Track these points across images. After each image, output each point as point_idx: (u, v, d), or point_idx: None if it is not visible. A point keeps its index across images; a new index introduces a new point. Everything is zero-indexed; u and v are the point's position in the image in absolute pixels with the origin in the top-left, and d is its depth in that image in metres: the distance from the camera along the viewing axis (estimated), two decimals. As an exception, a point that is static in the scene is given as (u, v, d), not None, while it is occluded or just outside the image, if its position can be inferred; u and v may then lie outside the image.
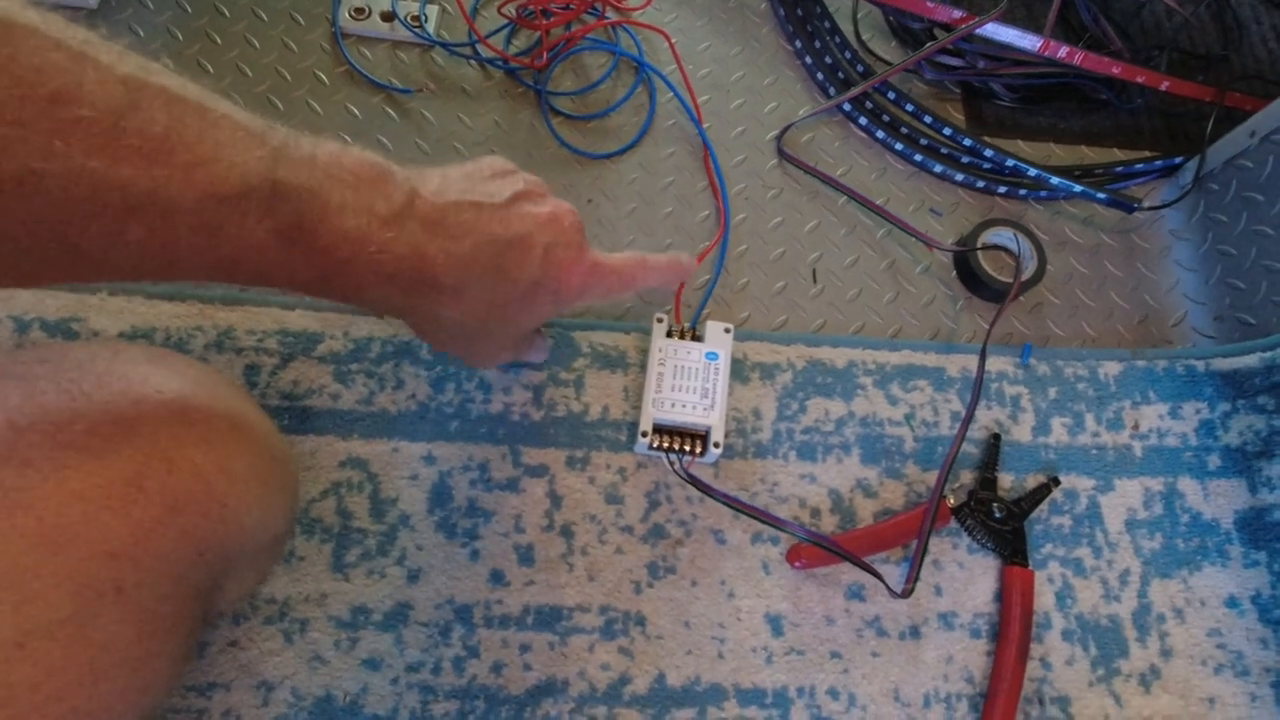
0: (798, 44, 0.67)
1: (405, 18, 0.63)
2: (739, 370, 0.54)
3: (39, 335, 0.51)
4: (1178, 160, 0.64)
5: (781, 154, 0.63)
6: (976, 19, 0.62)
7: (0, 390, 0.29)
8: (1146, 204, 0.63)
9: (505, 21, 0.64)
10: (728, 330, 0.52)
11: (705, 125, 0.63)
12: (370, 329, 0.53)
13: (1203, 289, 0.61)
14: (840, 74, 0.65)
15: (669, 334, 0.52)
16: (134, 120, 0.22)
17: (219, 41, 0.62)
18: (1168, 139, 0.68)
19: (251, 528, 0.34)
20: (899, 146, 0.63)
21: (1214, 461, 0.54)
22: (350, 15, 0.63)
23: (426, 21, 0.63)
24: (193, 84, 0.25)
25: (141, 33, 0.61)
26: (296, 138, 0.28)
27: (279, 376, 0.52)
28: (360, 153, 0.30)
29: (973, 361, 0.55)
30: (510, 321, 0.37)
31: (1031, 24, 0.68)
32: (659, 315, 0.52)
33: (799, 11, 0.68)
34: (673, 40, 0.65)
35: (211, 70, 0.61)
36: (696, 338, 0.52)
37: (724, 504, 0.47)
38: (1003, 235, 0.60)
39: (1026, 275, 0.58)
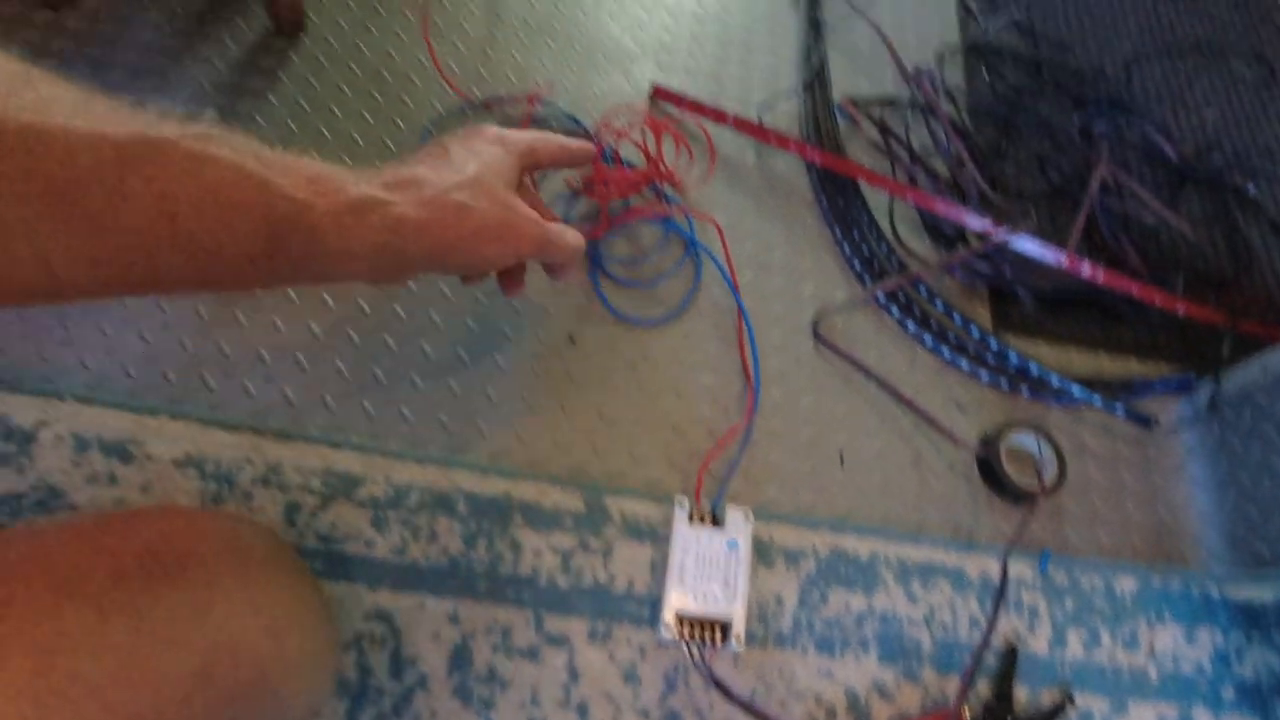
0: (837, 231, 0.71)
1: (478, 176, 0.68)
2: (764, 552, 0.55)
3: (97, 455, 0.53)
4: (1194, 379, 0.67)
5: (817, 336, 0.66)
6: (1005, 232, 0.67)
7: (91, 561, 0.31)
8: (1163, 422, 0.65)
9: (567, 190, 0.69)
10: (748, 518, 0.54)
11: (745, 302, 0.67)
12: (411, 476, 0.55)
13: (1218, 511, 0.62)
14: (876, 264, 0.70)
15: (690, 519, 0.53)
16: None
17: (328, 136, 0.68)
18: (1184, 354, 0.71)
19: (295, 709, 0.34)
20: (929, 340, 0.67)
21: (1229, 693, 0.54)
22: (428, 170, 0.68)
23: (497, 182, 0.68)
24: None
25: (263, 122, 0.67)
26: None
27: (318, 518, 0.53)
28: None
29: (992, 564, 0.56)
30: (493, 170, 0.44)
31: (1056, 236, 0.73)
32: (680, 499, 0.54)
33: (840, 201, 0.73)
34: (721, 226, 0.69)
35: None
36: (717, 522, 0.54)
37: (742, 709, 0.48)
38: (1025, 439, 0.62)
39: (1047, 481, 0.60)
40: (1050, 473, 0.61)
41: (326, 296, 0.62)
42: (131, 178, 0.28)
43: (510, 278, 0.53)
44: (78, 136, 0.27)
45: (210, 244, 0.30)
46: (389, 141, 0.70)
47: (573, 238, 0.50)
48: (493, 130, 0.47)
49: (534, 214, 0.46)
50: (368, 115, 0.71)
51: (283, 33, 0.73)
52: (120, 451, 0.53)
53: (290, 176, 0.33)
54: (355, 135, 0.70)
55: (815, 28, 0.84)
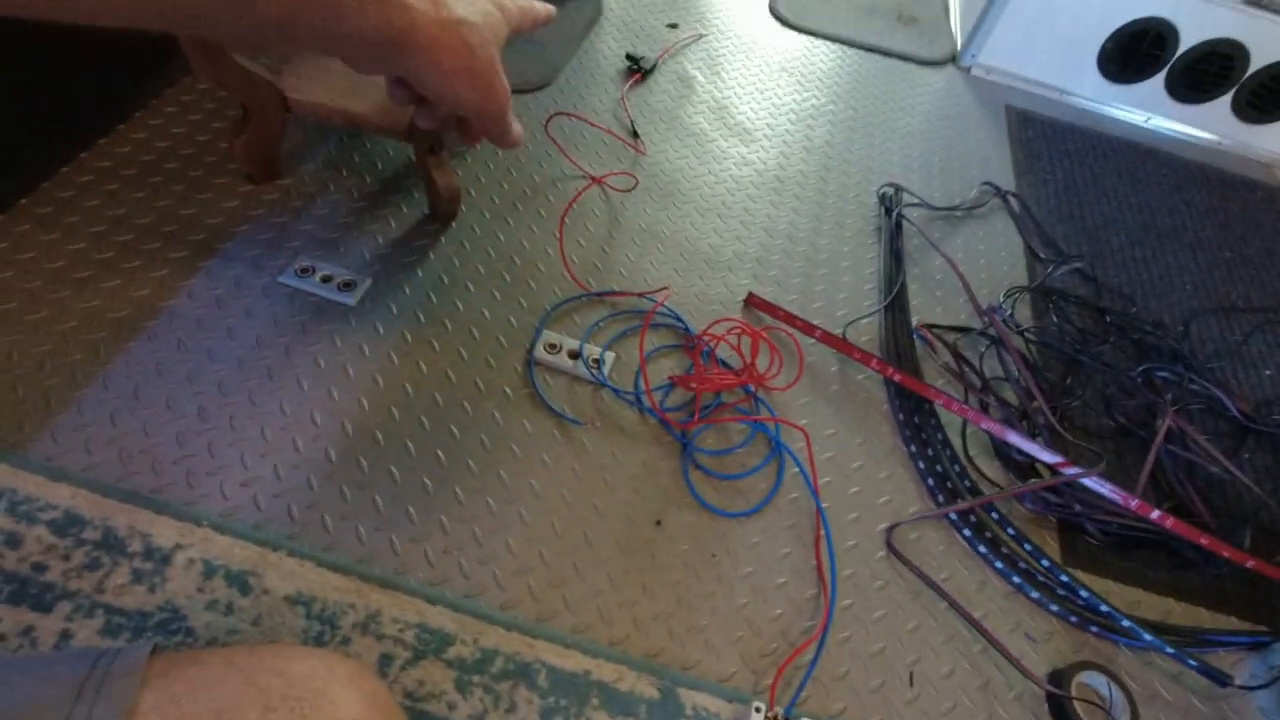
0: (913, 448, 0.76)
1: (587, 358, 0.76)
2: (833, 770, 0.55)
3: (220, 582, 0.57)
4: (1266, 639, 0.67)
5: (890, 547, 0.69)
6: (1077, 469, 0.71)
7: (245, 695, 0.35)
8: (1237, 680, 0.65)
9: (667, 382, 0.76)
10: (825, 727, 0.55)
11: (825, 505, 0.71)
12: (498, 641, 0.58)
13: (1300, 787, 0.60)
14: (949, 483, 0.73)
15: (769, 722, 0.54)
16: None
17: (437, 349, 0.75)
18: (1254, 608, 0.71)
19: None
20: (999, 565, 0.69)
21: None
22: (545, 349, 0.76)
23: (604, 365, 0.76)
24: None
25: (381, 330, 0.75)
26: None
27: (407, 672, 0.55)
28: None
29: (1066, 817, 0.55)
30: (486, 26, 0.40)
31: (1124, 476, 0.76)
32: (756, 705, 0.55)
33: (916, 419, 0.78)
34: (807, 431, 0.75)
35: (424, 369, 0.73)
36: (794, 729, 0.54)
37: None
38: (1096, 680, 0.62)
39: (1120, 730, 0.60)
40: (1123, 719, 0.60)
41: (440, 454, 0.68)
42: None
43: (464, 127, 0.48)
44: None
45: None
46: (513, 319, 0.78)
47: (517, 128, 0.47)
48: None
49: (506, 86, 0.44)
50: (497, 294, 0.80)
51: (437, 219, 0.85)
52: (241, 582, 0.57)
53: None
54: (484, 310, 0.79)
55: (896, 257, 0.94)
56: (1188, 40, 1.18)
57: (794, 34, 1.32)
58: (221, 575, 0.58)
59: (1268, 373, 0.93)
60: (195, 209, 0.80)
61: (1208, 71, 1.21)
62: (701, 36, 1.26)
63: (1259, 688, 0.65)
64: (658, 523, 0.67)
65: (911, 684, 0.62)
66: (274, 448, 0.66)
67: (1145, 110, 1.28)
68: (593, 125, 1.03)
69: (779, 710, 0.56)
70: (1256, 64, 1.18)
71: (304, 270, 0.77)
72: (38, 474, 0.60)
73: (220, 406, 0.67)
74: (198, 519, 0.60)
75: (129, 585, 0.56)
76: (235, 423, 0.66)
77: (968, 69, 1.32)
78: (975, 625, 0.65)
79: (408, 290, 0.79)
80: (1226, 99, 1.23)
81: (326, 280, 0.77)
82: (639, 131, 1.04)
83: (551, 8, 0.53)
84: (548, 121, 1.02)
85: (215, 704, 0.35)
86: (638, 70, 1.13)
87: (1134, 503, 0.70)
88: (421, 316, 0.77)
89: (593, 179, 0.95)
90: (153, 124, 0.87)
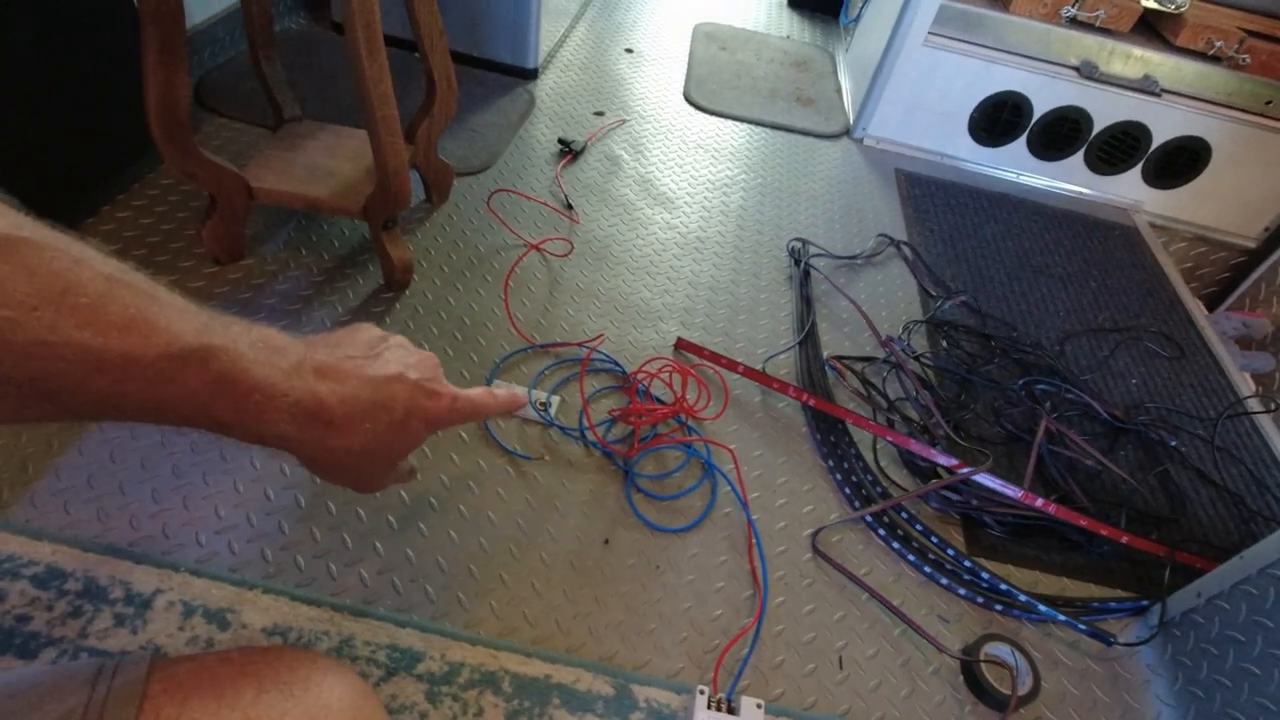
0: (830, 463, 0.85)
1: (535, 403, 0.83)
2: (774, 744, 0.61)
3: (199, 621, 0.61)
4: (1144, 603, 0.77)
5: (815, 549, 0.77)
6: (969, 469, 0.81)
7: (242, 681, 0.41)
8: (1121, 640, 0.74)
9: (608, 417, 0.84)
10: (760, 706, 0.61)
11: (755, 517, 0.79)
12: (463, 655, 0.63)
13: (1183, 727, 0.69)
14: (864, 491, 0.83)
15: (709, 706, 0.61)
16: (113, 304, 0.30)
17: None
18: (1135, 580, 0.81)
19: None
20: (911, 558, 0.77)
21: None
22: (495, 396, 0.84)
23: (550, 407, 0.84)
24: (147, 279, 0.33)
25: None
26: (219, 316, 0.35)
27: (381, 689, 0.60)
28: (263, 327, 0.38)
29: (981, 768, 0.62)
30: (389, 447, 0.43)
31: (1013, 474, 0.87)
32: (700, 688, 0.62)
33: (831, 438, 0.87)
34: (735, 453, 0.84)
35: (383, 422, 0.80)
36: (733, 710, 0.61)
37: None
38: (1001, 650, 0.71)
39: (1024, 690, 0.68)
40: (1026, 682, 0.68)
41: (403, 493, 0.74)
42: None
43: None
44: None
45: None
46: (465, 373, 0.86)
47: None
48: (434, 399, 0.45)
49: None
50: (450, 350, 0.88)
51: (392, 288, 0.93)
52: (220, 619, 0.62)
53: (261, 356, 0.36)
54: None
55: (806, 301, 1.06)
56: (1040, 108, 1.38)
57: (707, 116, 1.48)
58: (201, 614, 0.62)
59: (1134, 381, 1.06)
60: (163, 290, 0.87)
61: (1060, 133, 1.40)
62: (625, 121, 1.40)
63: (1139, 644, 0.74)
64: (606, 542, 0.74)
65: (841, 666, 0.69)
66: (246, 498, 0.71)
67: (1014, 168, 1.47)
68: (531, 200, 1.15)
69: (721, 695, 0.62)
70: (1099, 125, 1.38)
71: (269, 339, 0.84)
72: (19, 535, 0.64)
73: (193, 464, 0.72)
74: (176, 565, 0.65)
75: (111, 629, 0.60)
76: (208, 478, 0.72)
77: (860, 140, 1.50)
78: (894, 611, 0.73)
79: (366, 352, 0.86)
80: (1079, 155, 1.42)
81: (290, 346, 0.83)
82: (573, 204, 1.16)
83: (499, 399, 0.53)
84: (489, 198, 1.12)
85: (216, 687, 0.40)
86: (569, 152, 1.26)
87: (1021, 494, 0.80)
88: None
89: (531, 245, 1.06)
90: (120, 216, 0.94)
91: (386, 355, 0.43)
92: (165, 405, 0.33)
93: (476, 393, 0.50)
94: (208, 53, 1.23)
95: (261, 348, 0.36)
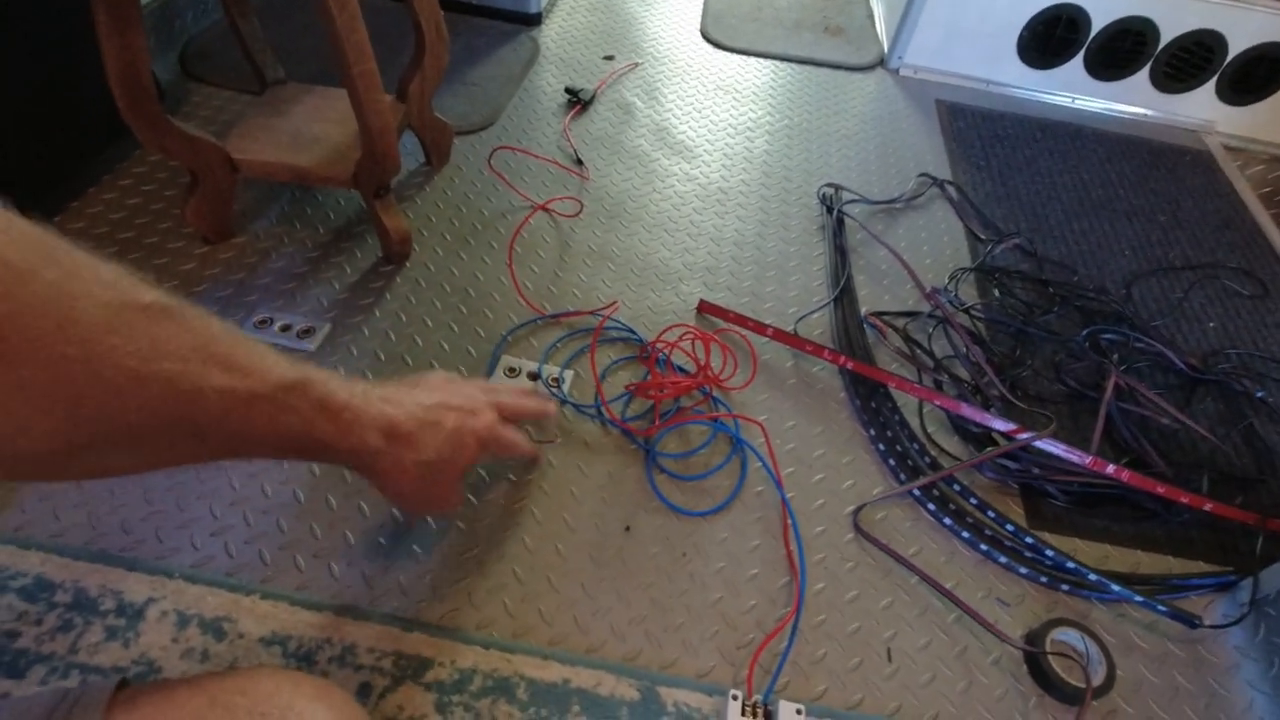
0: (871, 432, 0.78)
1: (547, 379, 0.77)
2: (817, 750, 0.56)
3: (195, 631, 0.57)
4: (1232, 578, 0.69)
5: (857, 529, 0.70)
6: (1028, 433, 0.72)
7: (211, 715, 0.36)
8: (1207, 621, 0.66)
9: (626, 392, 0.77)
10: (800, 711, 0.55)
11: (789, 495, 0.72)
12: (475, 660, 0.58)
13: (1278, 714, 0.61)
14: (910, 461, 0.75)
15: (743, 713, 0.55)
16: (238, 351, 0.37)
17: (419, 344, 0.80)
18: (1219, 551, 0.73)
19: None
20: (965, 535, 0.70)
21: None
22: (504, 373, 0.78)
23: (563, 384, 0.77)
24: (246, 335, 0.38)
25: (343, 372, 0.76)
26: (299, 361, 0.42)
27: (386, 699, 0.56)
28: (329, 371, 0.45)
29: (1051, 772, 0.55)
30: (450, 460, 0.52)
31: (1078, 437, 0.78)
32: (733, 693, 0.56)
33: (872, 404, 0.80)
34: (765, 426, 0.77)
35: (385, 407, 0.74)
36: (769, 716, 0.55)
37: None
38: (1070, 636, 0.63)
39: (1097, 681, 0.61)
40: (1099, 672, 0.61)
41: (409, 485, 0.69)
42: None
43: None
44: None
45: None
46: (471, 349, 0.80)
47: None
48: (475, 416, 0.55)
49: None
50: (454, 325, 0.82)
51: (391, 261, 0.87)
52: (215, 629, 0.58)
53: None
54: (442, 343, 0.81)
55: (840, 252, 0.97)
56: (1099, 21, 1.24)
57: (727, 54, 1.37)
58: (195, 624, 0.58)
59: (1211, 325, 0.96)
60: (152, 274, 0.82)
61: (1122, 49, 1.26)
62: (637, 65, 1.30)
63: (1229, 625, 0.66)
64: (627, 529, 0.68)
65: (890, 659, 0.63)
66: (242, 496, 0.67)
67: (1069, 91, 1.33)
68: (537, 158, 1.07)
69: (757, 698, 0.57)
70: (1166, 37, 1.23)
71: (262, 322, 0.79)
72: (6, 544, 0.61)
73: (186, 461, 0.68)
74: (169, 572, 0.61)
75: (103, 643, 0.57)
76: (201, 477, 0.67)
77: (896, 70, 1.38)
78: (948, 595, 0.66)
79: (366, 331, 0.80)
80: (1144, 73, 1.28)
81: (285, 329, 0.78)
82: (583, 159, 1.08)
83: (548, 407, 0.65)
84: (491, 156, 1.05)
85: (180, 720, 0.36)
86: (578, 102, 1.17)
87: (1088, 460, 0.71)
88: (381, 355, 0.79)
89: (537, 205, 0.98)
90: (106, 198, 0.89)
91: (427, 382, 0.55)
92: (282, 431, 0.40)
93: (514, 438, 0.59)
94: (190, 16, 1.16)
95: (339, 378, 0.45)
